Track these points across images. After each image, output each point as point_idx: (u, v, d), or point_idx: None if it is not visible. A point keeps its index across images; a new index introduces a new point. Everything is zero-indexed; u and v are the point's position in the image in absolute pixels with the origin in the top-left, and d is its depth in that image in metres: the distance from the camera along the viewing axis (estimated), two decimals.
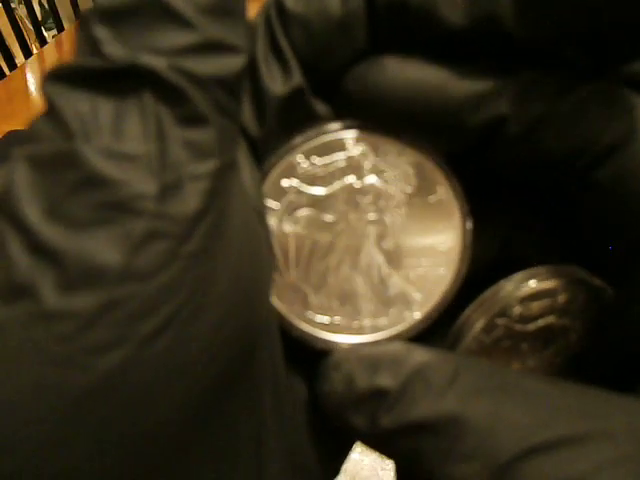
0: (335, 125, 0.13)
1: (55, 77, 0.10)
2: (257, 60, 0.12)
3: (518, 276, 0.14)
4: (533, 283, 0.14)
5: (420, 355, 0.12)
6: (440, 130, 0.12)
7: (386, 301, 0.14)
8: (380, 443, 0.13)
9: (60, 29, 1.28)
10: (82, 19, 0.10)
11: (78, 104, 0.10)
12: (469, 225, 0.14)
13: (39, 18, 1.30)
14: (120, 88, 0.10)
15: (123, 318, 0.09)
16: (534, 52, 0.11)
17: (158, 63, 0.10)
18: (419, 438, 0.11)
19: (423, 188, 0.14)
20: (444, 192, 0.14)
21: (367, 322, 0.14)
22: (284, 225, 0.14)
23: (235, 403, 0.12)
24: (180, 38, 0.10)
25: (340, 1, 0.12)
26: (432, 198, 0.14)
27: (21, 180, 0.09)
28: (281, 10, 0.12)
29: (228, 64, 0.10)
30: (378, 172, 0.14)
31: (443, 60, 0.12)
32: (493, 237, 0.14)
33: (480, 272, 0.14)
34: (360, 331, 0.14)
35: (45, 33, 1.32)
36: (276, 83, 0.12)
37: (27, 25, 1.44)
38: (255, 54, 0.12)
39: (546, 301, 0.14)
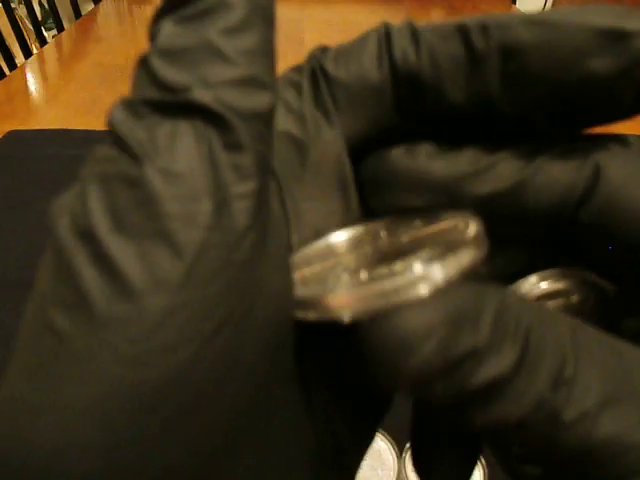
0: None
1: (118, 109, 0.12)
2: (303, 112, 0.14)
3: (533, 278, 0.15)
4: (548, 283, 0.15)
5: (492, 297, 0.12)
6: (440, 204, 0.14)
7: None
8: (455, 405, 0.12)
9: (60, 29, 1.28)
10: (141, 58, 0.12)
11: (139, 131, 0.11)
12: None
13: (39, 18, 1.30)
14: (175, 116, 0.11)
15: (186, 320, 0.10)
16: (520, 124, 0.14)
17: (206, 96, 0.11)
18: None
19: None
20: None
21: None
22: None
23: (287, 398, 0.13)
24: (225, 73, 0.12)
25: (377, 68, 0.13)
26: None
27: (93, 197, 0.11)
28: (323, 73, 0.14)
29: (263, 98, 0.12)
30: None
31: (442, 144, 0.14)
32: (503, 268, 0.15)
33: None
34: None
35: (45, 33, 1.33)
36: (322, 131, 0.14)
37: (27, 25, 1.44)
38: (301, 107, 0.14)
39: (560, 301, 0.15)
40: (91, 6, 1.34)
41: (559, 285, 0.15)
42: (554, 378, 0.12)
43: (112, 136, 0.12)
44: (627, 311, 0.14)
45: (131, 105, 0.12)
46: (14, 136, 0.79)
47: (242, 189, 0.11)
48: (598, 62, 0.12)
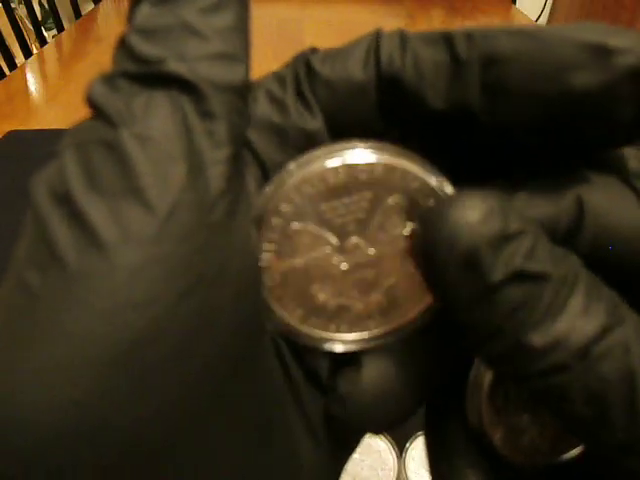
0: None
1: (96, 83, 0.12)
2: (285, 101, 0.14)
3: None
4: None
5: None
6: None
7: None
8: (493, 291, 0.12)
9: (60, 29, 1.28)
10: (119, 39, 0.12)
11: (116, 101, 0.12)
12: None
13: (39, 18, 1.30)
14: (151, 86, 0.12)
15: (158, 276, 0.10)
16: (502, 138, 0.13)
17: (182, 67, 0.12)
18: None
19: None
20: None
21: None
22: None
23: (259, 374, 0.13)
24: (200, 48, 0.12)
25: (362, 69, 0.14)
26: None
27: (70, 161, 0.11)
28: (309, 68, 0.14)
29: (236, 71, 0.12)
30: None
31: None
32: None
33: None
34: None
35: (45, 33, 1.33)
36: (304, 121, 0.14)
37: (27, 25, 1.44)
38: (284, 97, 0.14)
39: None
40: (91, 6, 1.34)
41: None
42: (614, 314, 0.11)
43: (90, 108, 0.12)
44: None
45: (109, 79, 0.12)
46: (14, 136, 0.79)
47: (216, 155, 0.12)
48: (579, 77, 0.12)
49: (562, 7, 1.80)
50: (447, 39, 0.13)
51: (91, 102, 0.12)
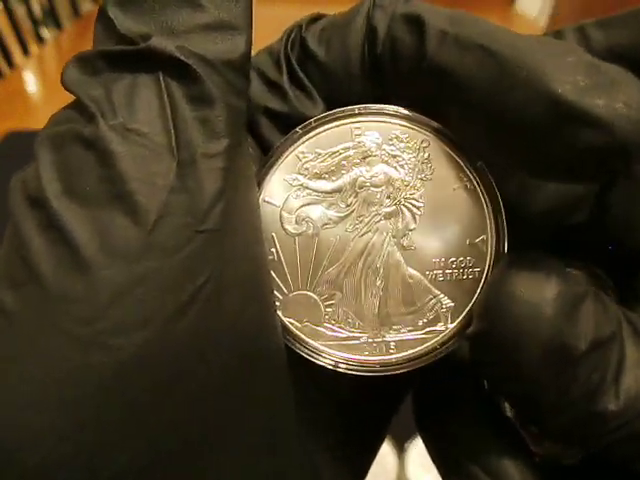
0: (339, 113, 0.12)
1: (72, 66, 0.11)
2: (283, 86, 0.13)
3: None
4: None
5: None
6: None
7: (412, 311, 0.12)
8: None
9: (59, 29, 1.28)
10: (98, 11, 0.11)
11: (94, 88, 0.10)
12: (501, 212, 0.12)
13: (38, 17, 1.29)
14: (134, 68, 0.10)
15: (145, 295, 0.09)
16: None
17: (169, 45, 0.10)
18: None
19: (443, 175, 0.12)
20: (466, 179, 0.12)
21: (390, 337, 0.12)
22: (286, 225, 0.12)
23: (264, 388, 0.11)
24: (192, 18, 0.10)
25: (360, 49, 0.12)
26: (455, 185, 0.12)
27: (44, 159, 0.10)
28: (304, 49, 0.13)
29: (234, 43, 0.10)
30: (390, 158, 0.12)
31: None
32: None
33: None
34: (381, 349, 0.12)
35: (44, 33, 1.32)
36: (306, 108, 0.13)
37: (26, 24, 1.43)
38: (280, 81, 0.13)
39: None
40: (91, 6, 1.34)
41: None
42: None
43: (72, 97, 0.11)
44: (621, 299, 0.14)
45: (86, 60, 0.11)
46: (14, 136, 0.79)
47: (211, 148, 0.10)
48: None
49: (562, 6, 1.79)
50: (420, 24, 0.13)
51: (67, 89, 0.11)
